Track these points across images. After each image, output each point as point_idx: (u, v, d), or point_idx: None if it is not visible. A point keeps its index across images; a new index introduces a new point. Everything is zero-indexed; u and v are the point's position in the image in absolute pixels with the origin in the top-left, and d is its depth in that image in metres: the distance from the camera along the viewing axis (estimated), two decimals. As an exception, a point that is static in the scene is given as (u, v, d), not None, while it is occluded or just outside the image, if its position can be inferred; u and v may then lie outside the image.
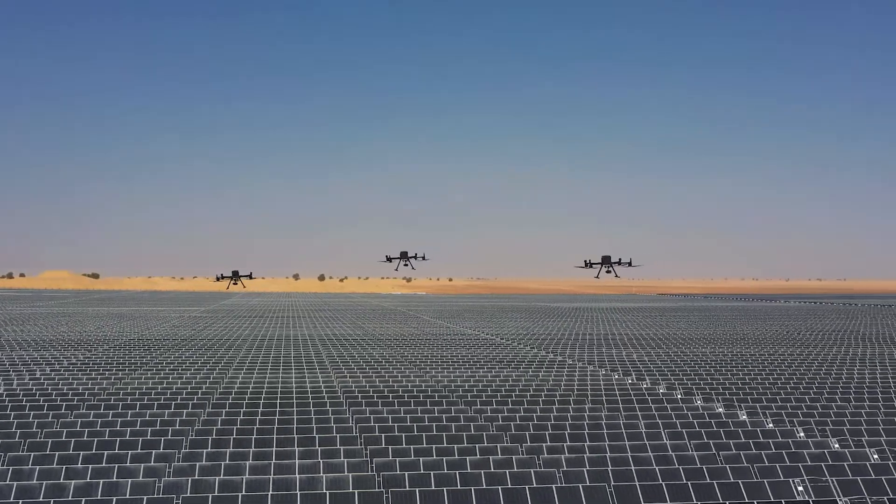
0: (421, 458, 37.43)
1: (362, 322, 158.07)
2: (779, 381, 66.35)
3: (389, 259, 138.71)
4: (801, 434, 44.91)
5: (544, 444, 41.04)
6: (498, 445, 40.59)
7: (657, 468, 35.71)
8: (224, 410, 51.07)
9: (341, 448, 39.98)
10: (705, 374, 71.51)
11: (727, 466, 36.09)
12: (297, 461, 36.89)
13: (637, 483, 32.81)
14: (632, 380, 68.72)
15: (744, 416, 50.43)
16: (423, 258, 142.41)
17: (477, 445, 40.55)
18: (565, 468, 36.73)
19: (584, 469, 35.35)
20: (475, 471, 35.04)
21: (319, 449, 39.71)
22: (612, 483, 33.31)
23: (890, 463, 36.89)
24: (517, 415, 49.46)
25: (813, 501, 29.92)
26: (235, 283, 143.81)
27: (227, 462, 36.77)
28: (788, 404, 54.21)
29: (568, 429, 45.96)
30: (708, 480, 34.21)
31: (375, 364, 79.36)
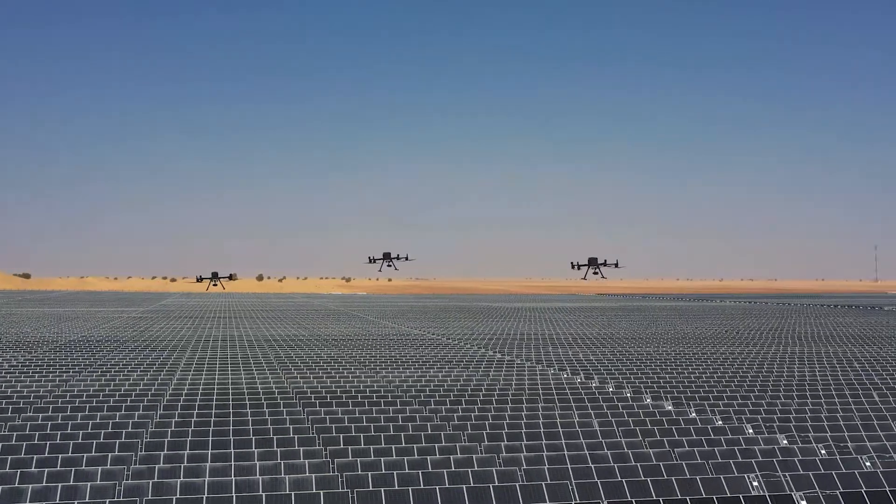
0: (382, 458, 37.58)
1: (306, 322, 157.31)
2: (723, 379, 67.83)
3: (373, 260, 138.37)
4: (750, 431, 46.05)
5: (502, 443, 41.50)
6: (457, 445, 40.93)
7: (615, 465, 36.38)
8: (176, 412, 50.57)
9: (300, 449, 39.92)
10: (651, 373, 72.77)
11: (683, 463, 36.92)
12: (257, 462, 36.77)
13: (598, 480, 33.41)
14: (580, 378, 69.63)
15: (693, 414, 51.50)
16: (407, 259, 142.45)
17: (436, 445, 40.85)
18: (525, 466, 37.24)
19: (545, 467, 35.88)
20: (437, 470, 35.32)
21: (279, 450, 39.62)
22: (574, 480, 33.84)
23: (838, 458, 38.10)
24: (472, 414, 49.87)
25: (769, 496, 30.77)
26: (215, 285, 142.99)
27: (186, 464, 36.51)
28: (734, 402, 55.50)
29: (524, 427, 46.49)
30: (665, 477, 34.94)
31: (324, 364, 79.16)
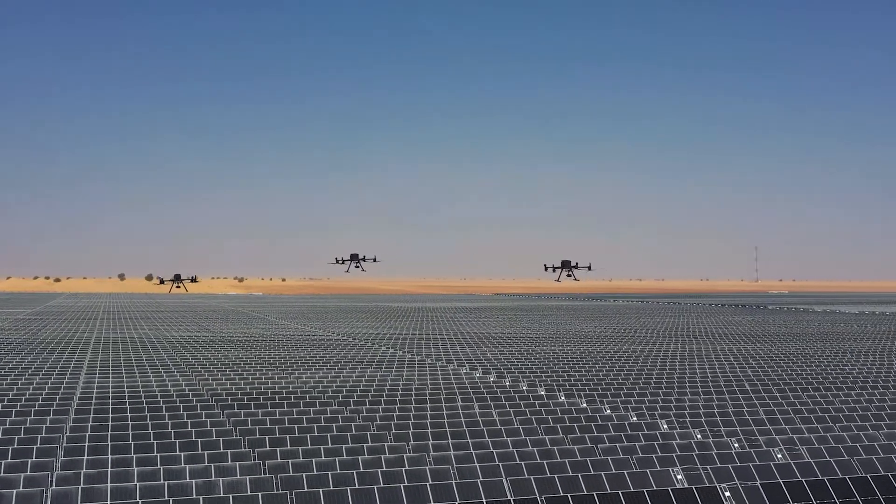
0: (313, 460, 37.60)
1: (207, 323, 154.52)
2: (630, 377, 69.87)
3: (341, 261, 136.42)
4: (665, 426, 47.71)
5: (429, 442, 41.99)
6: (385, 444, 41.21)
7: (544, 462, 37.29)
8: (90, 416, 49.34)
9: (227, 451, 39.58)
10: (560, 371, 74.36)
11: (609, 458, 38.11)
12: (186, 466, 36.31)
13: (530, 477, 34.23)
14: (493, 377, 70.66)
15: (608, 411, 52.98)
16: (374, 260, 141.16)
17: (364, 445, 41.04)
18: (457, 465, 37.81)
19: (477, 465, 36.52)
20: (371, 470, 35.56)
21: (205, 453, 39.18)
22: (507, 477, 34.55)
23: (752, 451, 39.92)
24: (394, 414, 50.19)
25: (695, 489, 32.11)
26: (178, 287, 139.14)
27: (112, 469, 35.78)
28: (645, 398, 57.36)
29: (447, 426, 47.06)
30: (593, 472, 36.02)
31: (235, 366, 78.19)
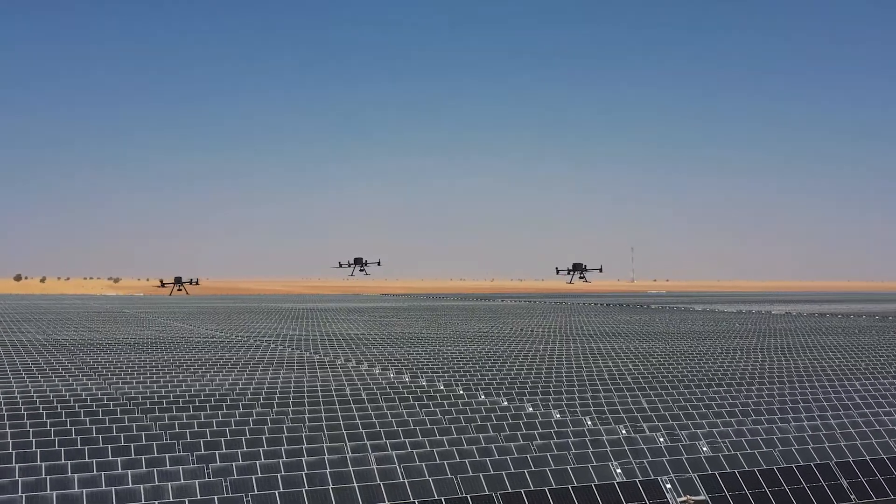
0: (256, 462, 37.48)
1: (96, 326, 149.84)
2: (542, 374, 71.55)
3: (348, 264, 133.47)
4: (590, 423, 49.30)
5: (367, 443, 42.34)
6: (323, 445, 41.37)
7: (486, 460, 38.18)
8: (6, 422, 47.69)
9: (165, 456, 39.03)
10: (473, 370, 75.51)
11: (547, 455, 39.28)
12: (128, 471, 35.68)
13: (478, 474, 35.05)
14: (408, 377, 71.25)
15: (531, 409, 54.31)
16: (378, 264, 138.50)
17: (303, 447, 41.10)
18: (397, 464, 38.29)
19: (423, 464, 37.11)
20: (318, 471, 35.73)
21: (143, 458, 38.55)
22: (457, 475, 35.25)
23: (679, 445, 41.79)
24: (322, 415, 50.25)
25: (639, 482, 33.54)
26: (180, 289, 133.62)
27: (50, 476, 34.86)
28: (564, 395, 58.99)
29: (379, 426, 47.45)
30: (535, 468, 37.09)
31: (142, 369, 76.45)
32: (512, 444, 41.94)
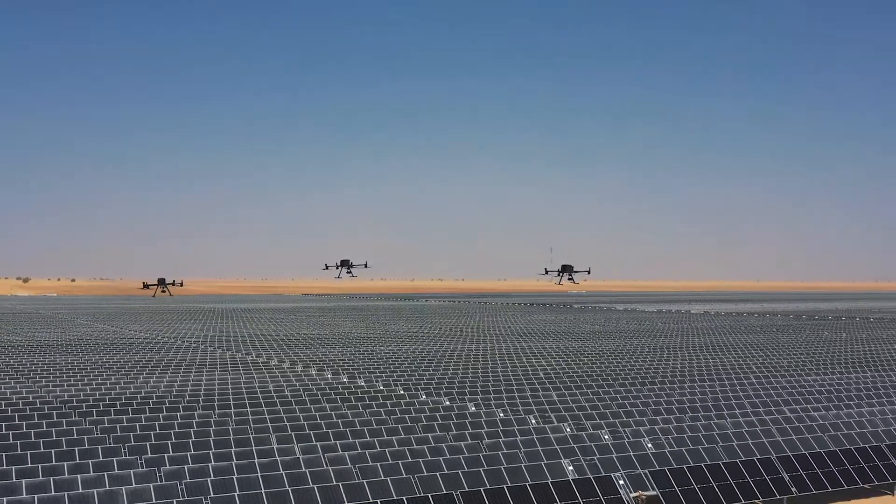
0: (208, 465, 37.13)
1: (11, 326, 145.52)
2: (479, 374, 72.13)
3: (336, 266, 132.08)
4: (534, 421, 50.01)
5: (318, 444, 42.26)
6: (273, 447, 41.17)
7: (440, 459, 38.50)
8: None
9: (113, 460, 38.34)
10: (409, 370, 75.72)
11: (498, 453, 39.79)
12: (76, 476, 35.00)
13: (436, 474, 35.35)
14: (346, 378, 71.11)
15: (473, 408, 54.82)
16: (365, 266, 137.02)
17: (252, 448, 40.84)
18: (351, 465, 38.35)
19: (377, 464, 37.25)
20: (272, 472, 35.58)
21: (90, 462, 37.82)
22: (415, 475, 35.48)
23: (626, 442, 42.75)
24: (267, 416, 49.90)
25: (592, 479, 34.27)
26: (164, 291, 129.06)
27: (-5, 482, 34.01)
28: (504, 394, 59.66)
29: (325, 427, 47.36)
30: (489, 467, 37.55)
31: (71, 371, 74.68)
32: (462, 443, 42.33)
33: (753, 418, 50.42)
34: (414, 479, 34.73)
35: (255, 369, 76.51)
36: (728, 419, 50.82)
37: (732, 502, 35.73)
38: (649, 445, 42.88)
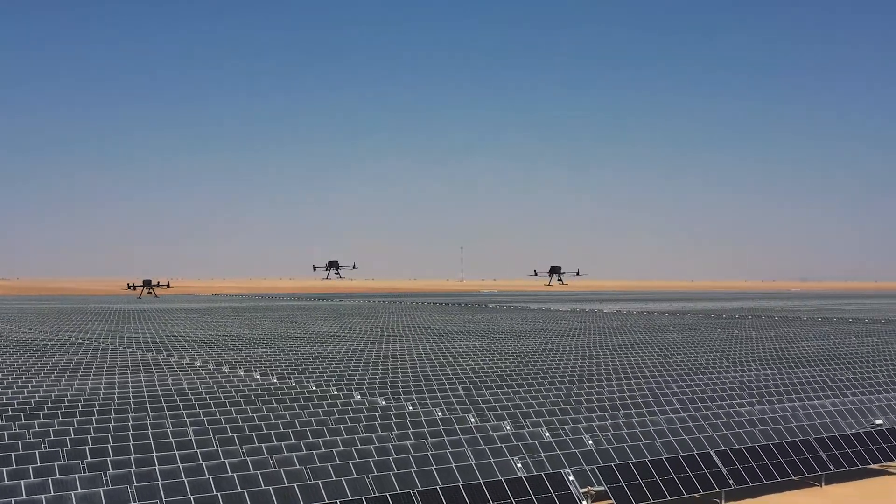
0: (155, 468, 36.55)
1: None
2: (409, 373, 72.36)
3: (325, 268, 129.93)
4: (473, 420, 50.54)
5: (262, 445, 41.98)
6: (218, 449, 40.73)
7: (389, 458, 38.68)
8: None
9: (54, 465, 37.39)
10: (340, 370, 75.49)
11: (446, 452, 40.15)
12: (20, 482, 34.06)
13: (389, 473, 35.54)
14: (276, 379, 70.52)
15: (411, 408, 55.07)
16: (353, 267, 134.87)
17: (196, 451, 40.34)
18: (301, 466, 38.24)
19: (328, 465, 37.23)
20: (223, 474, 35.23)
21: (29, 468, 36.83)
22: (369, 475, 35.57)
23: (568, 439, 43.60)
24: (204, 418, 49.22)
25: (544, 475, 34.92)
26: (149, 292, 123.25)
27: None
28: (439, 393, 60.07)
29: (266, 429, 47.00)
30: (438, 466, 37.90)
31: (-14, 374, 72.27)
32: (407, 442, 42.57)
33: (684, 414, 51.94)
34: (368, 479, 34.85)
35: (181, 371, 75.24)
36: (660, 415, 52.22)
37: (676, 496, 36.87)
38: (590, 442, 43.83)
